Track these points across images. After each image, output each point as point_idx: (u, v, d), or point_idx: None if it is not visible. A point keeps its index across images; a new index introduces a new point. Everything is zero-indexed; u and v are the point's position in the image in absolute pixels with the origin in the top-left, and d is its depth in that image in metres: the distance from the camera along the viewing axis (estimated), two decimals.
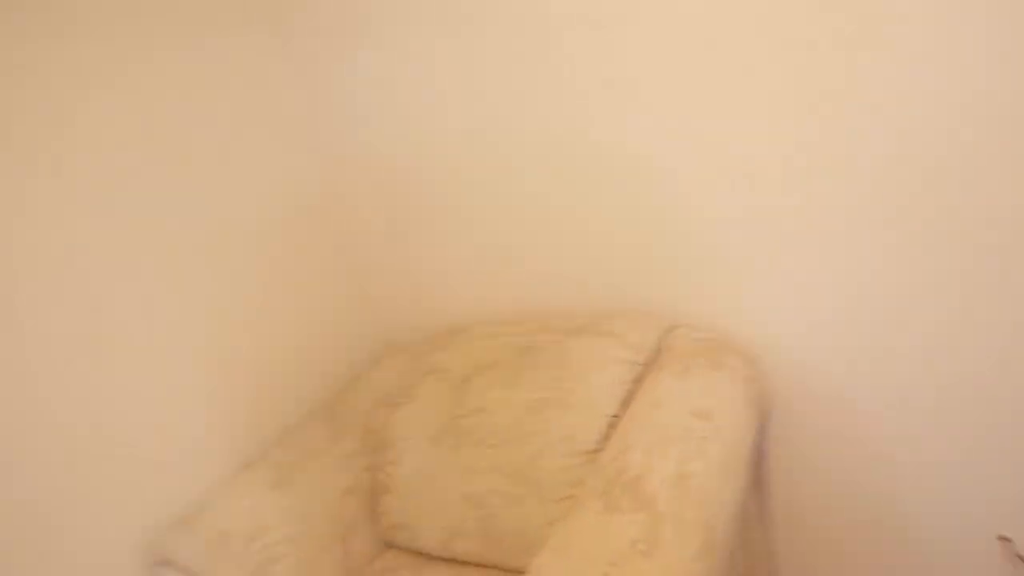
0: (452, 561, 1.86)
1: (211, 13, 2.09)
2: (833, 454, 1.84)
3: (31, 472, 1.69)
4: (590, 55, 1.79)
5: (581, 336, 1.86)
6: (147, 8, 1.93)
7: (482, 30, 1.90)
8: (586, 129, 1.86)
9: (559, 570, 1.32)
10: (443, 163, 2.12)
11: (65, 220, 1.74)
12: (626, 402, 1.71)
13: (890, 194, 1.57)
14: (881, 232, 1.61)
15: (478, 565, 1.82)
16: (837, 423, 1.81)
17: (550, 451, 1.70)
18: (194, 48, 2.02)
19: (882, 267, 1.63)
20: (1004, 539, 1.71)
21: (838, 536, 1.91)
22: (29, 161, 1.69)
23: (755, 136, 1.66)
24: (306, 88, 2.24)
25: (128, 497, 1.88)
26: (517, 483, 1.72)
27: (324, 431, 2.08)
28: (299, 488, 1.94)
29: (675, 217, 1.84)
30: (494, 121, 1.98)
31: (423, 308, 2.36)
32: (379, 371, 2.21)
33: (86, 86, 1.79)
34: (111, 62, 1.85)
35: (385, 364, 2.23)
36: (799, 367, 1.81)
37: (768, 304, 1.80)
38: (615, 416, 1.69)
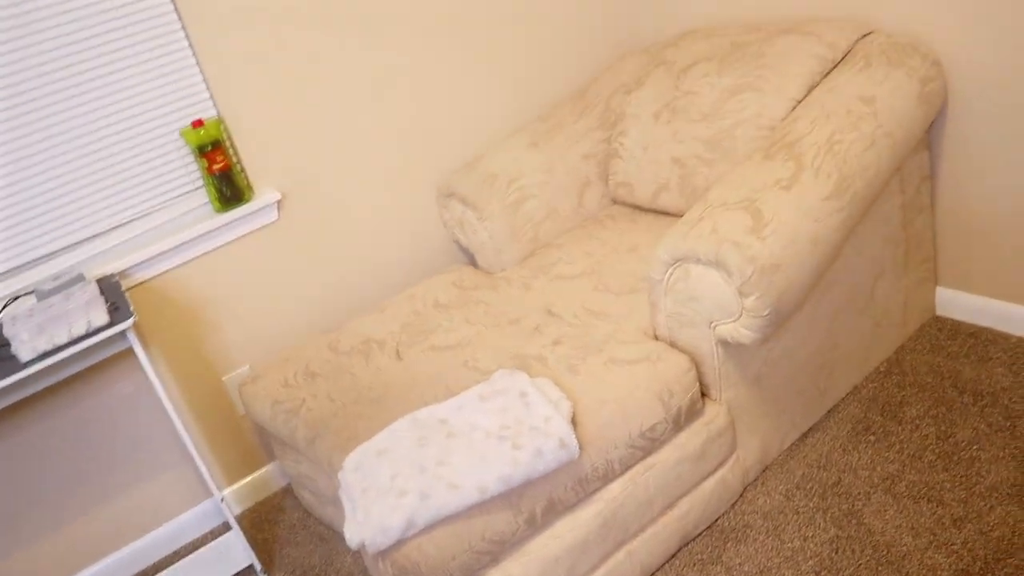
0: (659, 212, 2.40)
1: None
2: (1004, 158, 2.07)
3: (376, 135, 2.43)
4: None
5: (787, 35, 2.17)
6: None
7: None
8: None
9: (720, 194, 1.80)
10: None
11: None
12: (812, 89, 2.06)
13: None
14: None
15: (677, 215, 2.34)
16: (1012, 130, 2.02)
17: (741, 125, 2.11)
18: None
19: None
20: None
21: (995, 231, 2.17)
22: None
23: None
24: None
25: (432, 154, 2.59)
26: (712, 149, 2.17)
27: (573, 110, 2.62)
28: (550, 150, 2.52)
29: None
30: None
31: (667, 14, 2.74)
32: (622, 64, 2.66)
33: None
34: None
35: (628, 59, 2.67)
36: (983, 75, 2.01)
37: (958, 14, 1.99)
38: (799, 101, 2.05)
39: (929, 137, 2.19)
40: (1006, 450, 1.90)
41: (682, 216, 2.31)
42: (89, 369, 2.20)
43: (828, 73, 2.07)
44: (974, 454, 1.92)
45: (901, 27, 2.13)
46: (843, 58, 2.09)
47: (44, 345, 1.73)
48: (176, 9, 2.12)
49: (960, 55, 2.04)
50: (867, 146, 1.84)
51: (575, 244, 2.38)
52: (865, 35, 2.13)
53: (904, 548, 1.75)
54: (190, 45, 2.16)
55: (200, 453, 2.32)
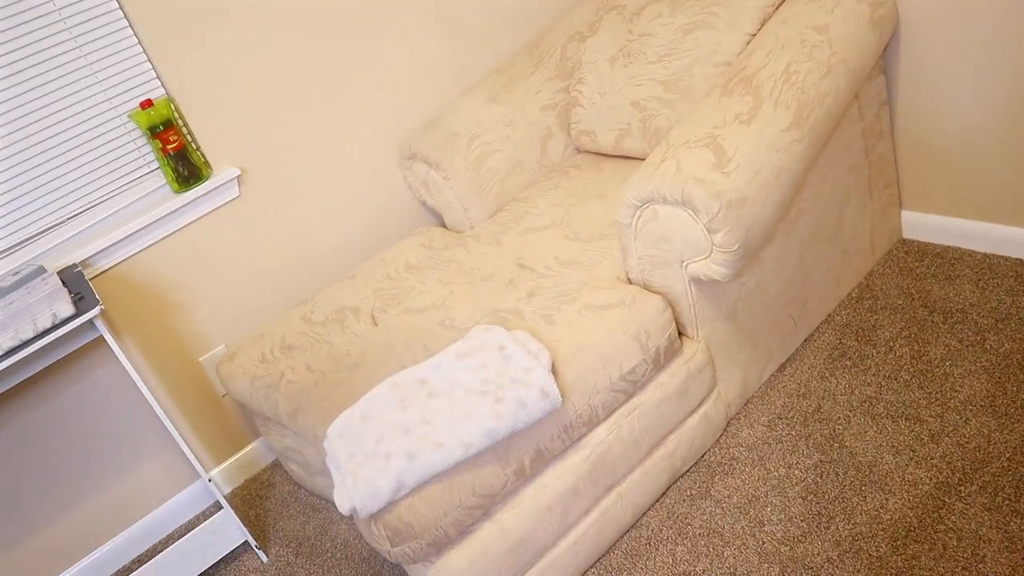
0: (623, 157, 2.39)
1: None
2: (957, 78, 2.08)
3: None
4: None
5: None
6: None
7: None
8: None
9: (681, 133, 1.79)
10: None
11: None
12: (764, 23, 2.05)
13: None
14: None
15: (641, 159, 2.33)
16: (962, 50, 2.03)
17: (698, 63, 2.10)
18: None
19: None
20: None
21: (952, 151, 2.19)
22: None
23: None
24: None
25: (392, 115, 2.56)
26: (670, 90, 2.15)
27: (529, 61, 2.59)
28: (509, 103, 2.50)
29: None
30: None
31: None
32: (574, 11, 2.63)
33: None
34: None
35: (580, 6, 2.63)
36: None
37: None
38: (753, 35, 2.04)
39: (884, 62, 2.19)
40: (977, 364, 1.94)
41: (646, 159, 2.30)
42: (62, 361, 2.17)
43: (779, 5, 2.06)
44: (947, 370, 1.96)
45: None
46: None
47: (9, 342, 1.70)
48: None
49: None
50: (823, 74, 1.83)
51: (542, 196, 2.37)
52: None
53: (886, 467, 1.78)
54: (130, 25, 2.10)
55: (183, 436, 2.31)
